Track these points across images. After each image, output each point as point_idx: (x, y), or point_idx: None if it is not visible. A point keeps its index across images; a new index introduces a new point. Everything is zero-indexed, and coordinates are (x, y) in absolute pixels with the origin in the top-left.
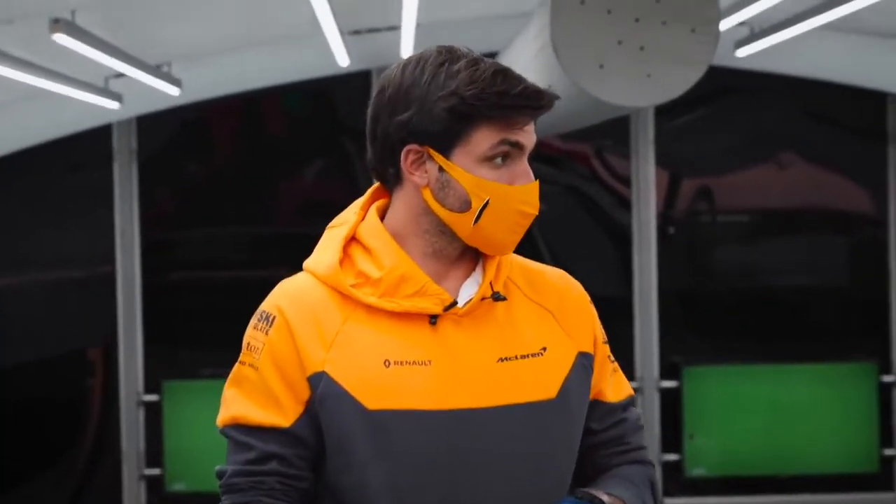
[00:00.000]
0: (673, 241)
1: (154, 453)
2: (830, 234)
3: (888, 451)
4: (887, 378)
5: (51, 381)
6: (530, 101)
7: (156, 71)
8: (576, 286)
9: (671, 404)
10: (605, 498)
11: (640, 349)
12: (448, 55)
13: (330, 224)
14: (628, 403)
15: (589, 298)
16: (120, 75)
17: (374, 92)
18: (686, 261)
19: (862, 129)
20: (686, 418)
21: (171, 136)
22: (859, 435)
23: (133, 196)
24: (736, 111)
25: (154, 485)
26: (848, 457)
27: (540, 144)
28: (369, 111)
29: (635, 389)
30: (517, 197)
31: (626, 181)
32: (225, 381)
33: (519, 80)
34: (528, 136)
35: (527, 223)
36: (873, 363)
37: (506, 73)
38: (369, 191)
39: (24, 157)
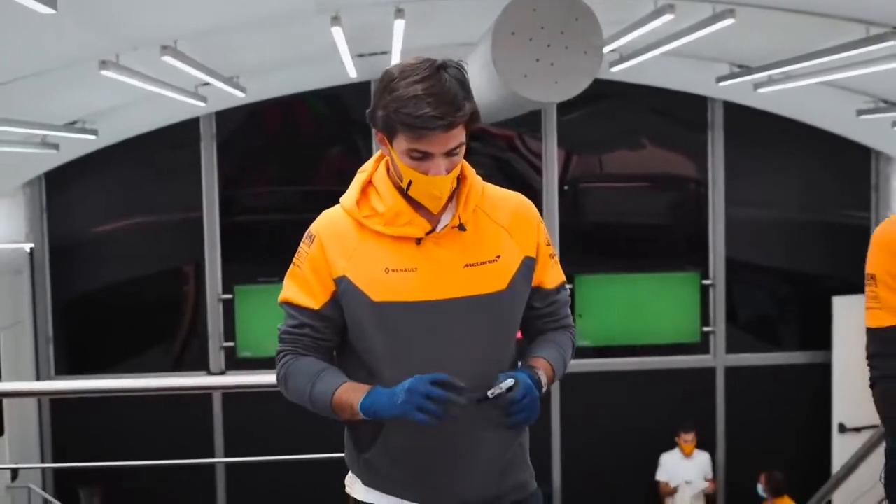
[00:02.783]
0: (569, 194)
1: (229, 332)
2: (670, 189)
3: (706, 329)
4: (706, 282)
5: (159, 287)
6: (426, 123)
7: (229, 81)
8: (526, 207)
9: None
10: (535, 364)
11: None
12: (400, 74)
13: (360, 169)
14: (561, 287)
15: (538, 215)
16: (206, 84)
17: None
18: (577, 206)
19: (690, 121)
20: (576, 308)
21: (239, 125)
22: (688, 318)
23: (213, 165)
24: (609, 109)
25: (229, 353)
26: (681, 332)
27: (479, 130)
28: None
29: None
30: (429, 183)
31: (538, 155)
32: (273, 287)
33: (429, 104)
34: (436, 145)
35: (439, 200)
36: (697, 272)
37: (418, 99)
38: None
39: (141, 138)
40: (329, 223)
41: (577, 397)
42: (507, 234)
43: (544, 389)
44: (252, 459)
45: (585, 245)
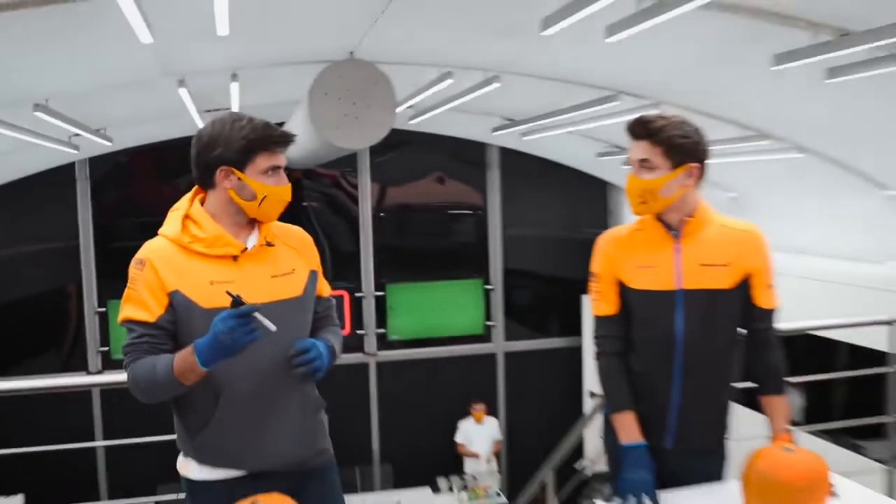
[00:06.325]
0: (383, 220)
1: (104, 339)
2: (458, 213)
3: (488, 323)
4: (488, 286)
5: (48, 303)
6: (282, 139)
7: (97, 132)
8: (306, 234)
9: (381, 304)
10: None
11: (364, 274)
12: (236, 116)
13: (173, 208)
14: (330, 297)
15: (313, 242)
16: (77, 134)
17: (193, 141)
18: (389, 229)
19: (474, 162)
20: (388, 308)
21: (108, 169)
22: (475, 315)
23: (88, 200)
24: (412, 152)
25: (105, 355)
26: (470, 326)
27: (309, 171)
28: (193, 150)
29: (362, 299)
30: (280, 192)
31: (356, 187)
32: None
33: (275, 128)
34: (282, 160)
35: (285, 204)
36: (481, 279)
37: (268, 125)
38: (193, 190)
39: (26, 180)
40: (156, 249)
41: (391, 380)
42: (297, 254)
43: (336, 358)
44: (106, 443)
45: (395, 260)
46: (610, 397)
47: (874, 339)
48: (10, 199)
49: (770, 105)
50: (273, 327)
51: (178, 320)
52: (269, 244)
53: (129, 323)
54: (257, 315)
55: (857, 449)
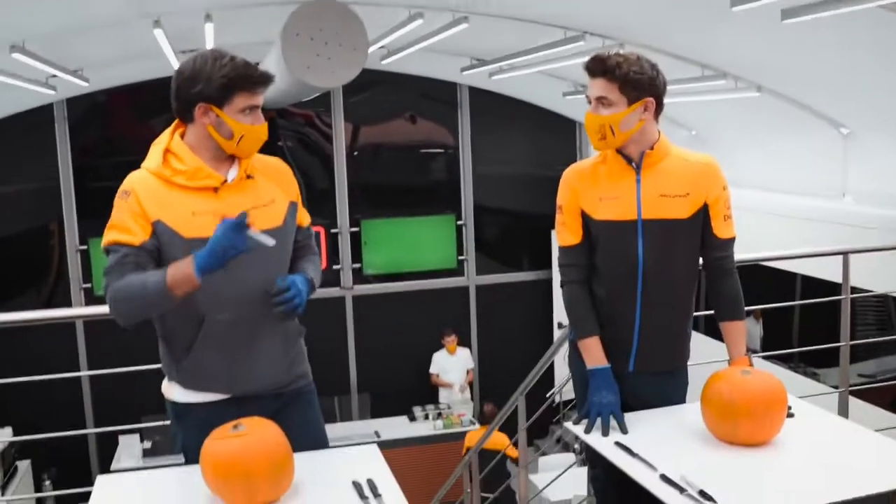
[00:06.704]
0: (357, 158)
1: (87, 275)
2: (432, 153)
3: (461, 257)
4: (459, 222)
5: (33, 241)
6: (261, 79)
7: (74, 73)
8: (285, 166)
9: (356, 238)
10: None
11: (339, 211)
12: (217, 54)
13: (154, 142)
14: (310, 226)
15: (292, 173)
16: (55, 76)
17: (175, 75)
18: (363, 167)
19: (445, 101)
20: (363, 244)
21: (86, 108)
22: (447, 250)
23: (66, 140)
24: (385, 92)
25: (87, 292)
26: (443, 261)
27: (283, 111)
28: (174, 84)
29: (337, 234)
30: (257, 131)
31: (330, 126)
32: None
33: (255, 68)
34: (260, 100)
35: (261, 142)
36: (453, 214)
37: (248, 65)
38: (174, 124)
39: (4, 122)
40: (140, 180)
41: (367, 314)
42: (277, 185)
43: (315, 289)
44: (91, 373)
45: (369, 197)
46: (575, 323)
47: (830, 272)
48: None
49: (729, 45)
50: (271, 241)
51: (162, 249)
52: (249, 177)
53: (115, 245)
54: (252, 233)
55: (813, 376)
